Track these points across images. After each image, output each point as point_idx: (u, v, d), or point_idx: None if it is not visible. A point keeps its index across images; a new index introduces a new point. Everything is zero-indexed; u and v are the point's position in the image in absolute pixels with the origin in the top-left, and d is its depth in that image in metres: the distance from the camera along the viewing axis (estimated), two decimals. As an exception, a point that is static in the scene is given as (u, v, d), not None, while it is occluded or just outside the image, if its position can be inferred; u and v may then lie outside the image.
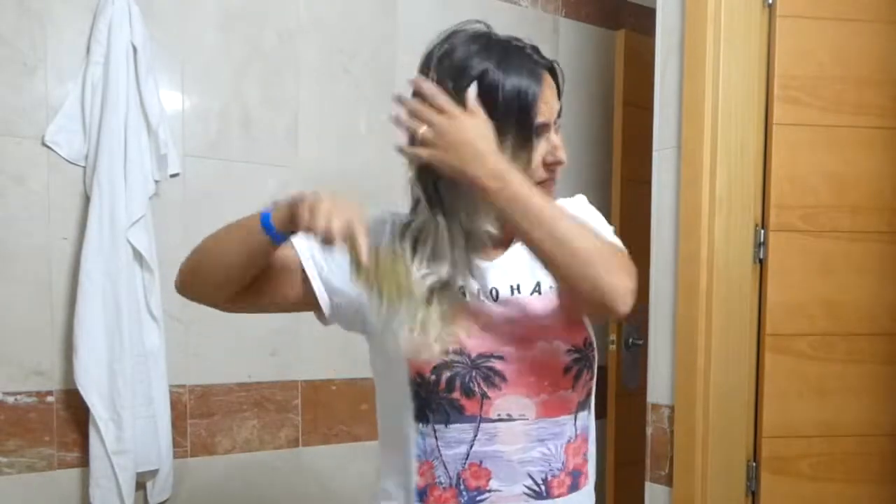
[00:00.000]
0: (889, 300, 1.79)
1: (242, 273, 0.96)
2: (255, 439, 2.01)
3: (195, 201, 1.91)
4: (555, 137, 0.96)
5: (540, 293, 0.99)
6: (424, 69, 0.96)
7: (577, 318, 1.01)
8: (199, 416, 1.93)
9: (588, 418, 1.04)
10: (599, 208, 1.11)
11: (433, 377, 0.94)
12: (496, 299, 0.98)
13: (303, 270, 1.00)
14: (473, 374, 0.95)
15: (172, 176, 1.86)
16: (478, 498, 0.96)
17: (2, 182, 1.69)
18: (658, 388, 1.86)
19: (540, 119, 0.93)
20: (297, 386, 2.06)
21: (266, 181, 2.00)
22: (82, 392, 1.69)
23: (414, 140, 0.90)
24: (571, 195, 1.09)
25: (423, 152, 0.88)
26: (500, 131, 0.91)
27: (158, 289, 1.79)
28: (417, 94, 0.91)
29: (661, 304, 1.84)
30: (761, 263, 1.78)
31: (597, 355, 1.03)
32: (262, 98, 2.00)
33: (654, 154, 1.87)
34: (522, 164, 0.92)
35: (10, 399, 1.71)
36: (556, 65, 0.98)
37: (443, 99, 0.88)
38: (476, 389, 0.95)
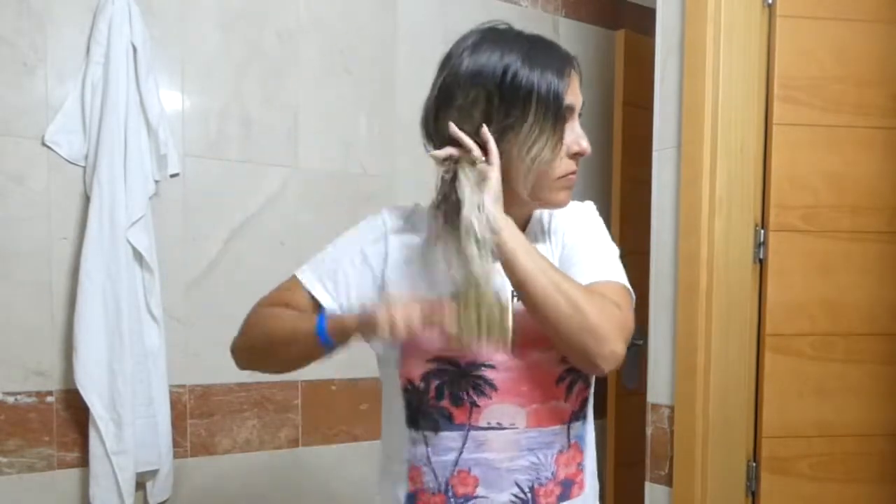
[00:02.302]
0: (889, 300, 1.79)
1: (299, 364, 1.02)
2: (255, 439, 2.01)
3: (195, 201, 1.91)
4: (578, 127, 0.98)
5: None
6: (446, 68, 0.97)
7: None
8: (199, 416, 1.93)
9: (583, 428, 1.03)
10: (599, 208, 1.11)
11: (423, 385, 0.95)
12: None
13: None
14: (462, 382, 0.95)
15: (172, 176, 1.86)
16: None
17: (2, 182, 1.69)
18: (658, 388, 1.86)
19: (568, 100, 0.95)
20: (297, 386, 2.06)
21: (266, 181, 2.01)
22: (82, 392, 1.69)
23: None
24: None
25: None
26: (532, 123, 0.92)
27: (158, 289, 1.79)
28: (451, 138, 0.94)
29: (661, 303, 1.84)
30: (761, 263, 1.78)
31: None
32: (262, 98, 2.00)
33: (654, 154, 1.87)
34: (551, 154, 0.94)
35: (10, 399, 1.71)
36: (576, 60, 0.99)
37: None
38: (465, 398, 0.95)
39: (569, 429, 1.00)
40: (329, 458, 2.12)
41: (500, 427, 0.96)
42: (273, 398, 2.03)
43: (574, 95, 0.96)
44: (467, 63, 0.95)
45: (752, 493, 1.79)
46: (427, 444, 0.97)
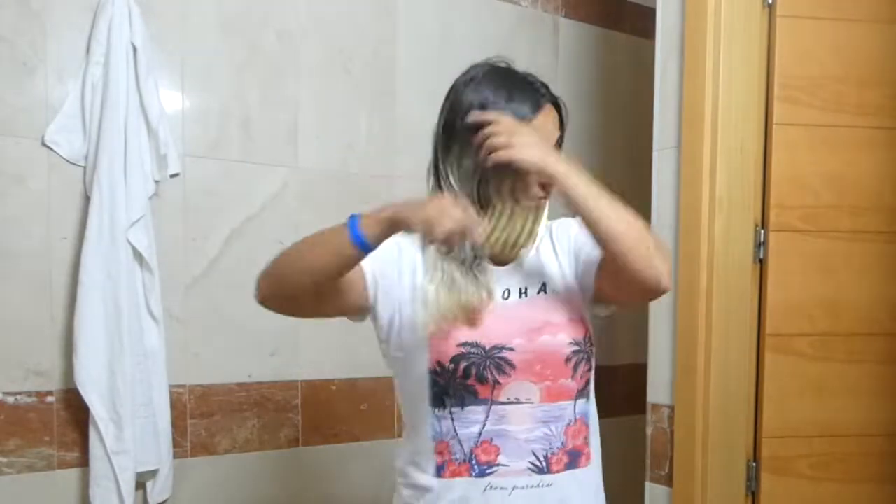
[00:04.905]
0: (889, 300, 1.79)
1: (331, 285, 1.05)
2: (255, 439, 2.01)
3: (195, 201, 1.91)
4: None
5: (546, 293, 1.13)
6: (449, 97, 1.13)
7: (578, 316, 1.14)
8: (199, 416, 1.93)
9: (587, 405, 1.16)
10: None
11: (451, 366, 1.07)
12: (506, 298, 1.12)
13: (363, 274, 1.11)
14: (487, 363, 1.07)
15: (172, 176, 1.86)
16: (487, 471, 1.09)
17: (2, 182, 1.69)
18: (658, 388, 1.86)
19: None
20: (297, 386, 2.06)
21: (266, 181, 2.01)
22: (82, 392, 1.69)
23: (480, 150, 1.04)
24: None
25: (505, 155, 1.00)
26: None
27: (158, 289, 1.79)
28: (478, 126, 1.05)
29: (661, 303, 1.83)
30: (761, 263, 1.78)
31: (594, 350, 1.15)
32: (262, 98, 2.00)
33: (654, 154, 1.87)
34: (522, 183, 1.05)
35: (10, 399, 1.71)
36: (560, 101, 1.13)
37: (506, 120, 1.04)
38: (489, 377, 1.07)
39: (575, 405, 1.12)
40: (329, 458, 2.12)
41: (517, 402, 1.09)
42: (273, 398, 2.03)
43: (542, 133, 1.06)
44: (466, 97, 1.09)
45: (752, 493, 1.79)
46: (453, 419, 1.09)
